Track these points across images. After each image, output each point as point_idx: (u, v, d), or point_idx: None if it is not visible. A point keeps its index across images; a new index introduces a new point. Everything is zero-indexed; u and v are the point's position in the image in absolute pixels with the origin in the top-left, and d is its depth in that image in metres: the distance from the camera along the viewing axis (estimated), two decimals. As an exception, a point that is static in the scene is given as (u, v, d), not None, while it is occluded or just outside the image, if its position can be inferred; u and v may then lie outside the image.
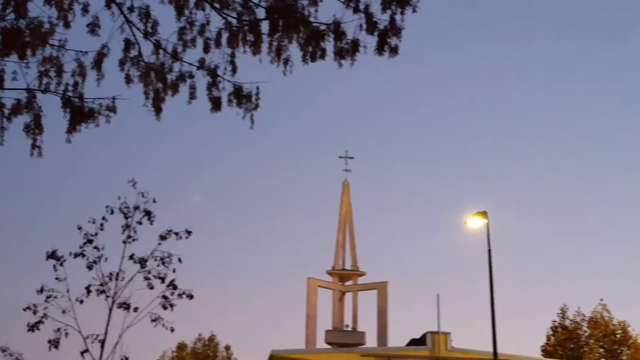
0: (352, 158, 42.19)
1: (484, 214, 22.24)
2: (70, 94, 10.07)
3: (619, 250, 74.31)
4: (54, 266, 15.04)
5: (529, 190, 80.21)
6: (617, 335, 41.13)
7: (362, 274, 40.36)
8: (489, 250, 21.57)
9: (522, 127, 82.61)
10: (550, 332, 42.79)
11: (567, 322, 42.54)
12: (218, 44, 10.04)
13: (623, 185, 79.00)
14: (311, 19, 9.43)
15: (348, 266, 40.70)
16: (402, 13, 9.18)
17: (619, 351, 40.54)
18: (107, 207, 15.60)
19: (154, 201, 15.68)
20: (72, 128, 10.06)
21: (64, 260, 15.11)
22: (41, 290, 14.74)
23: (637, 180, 79.55)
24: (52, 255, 15.07)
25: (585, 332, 41.88)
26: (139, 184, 15.73)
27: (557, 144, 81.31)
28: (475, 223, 22.33)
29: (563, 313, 42.95)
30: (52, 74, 10.11)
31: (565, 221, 77.61)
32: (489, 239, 21.69)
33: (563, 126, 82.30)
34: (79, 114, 10.05)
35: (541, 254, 75.83)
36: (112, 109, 10.22)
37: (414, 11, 9.19)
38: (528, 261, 75.41)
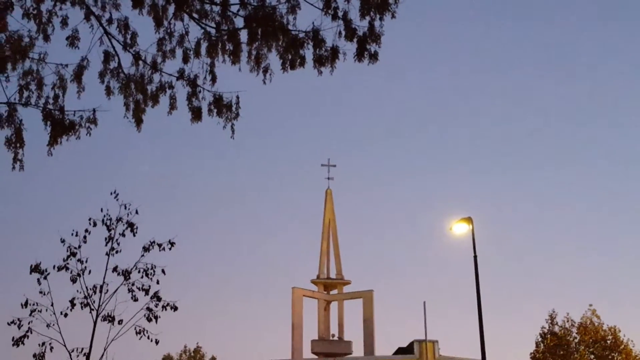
0: (334, 166, 42.31)
1: (469, 220, 22.29)
2: (50, 107, 10.07)
3: (607, 254, 74.88)
4: (38, 280, 14.94)
5: (515, 196, 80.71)
6: (608, 341, 41.16)
7: (347, 283, 40.36)
8: (475, 257, 21.60)
9: (507, 132, 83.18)
10: (539, 339, 42.78)
11: (556, 329, 42.52)
12: (197, 54, 10.09)
13: (612, 190, 79.69)
14: (290, 27, 9.49)
15: (333, 275, 40.68)
16: (381, 19, 9.25)
17: (609, 357, 40.54)
18: (89, 219, 15.54)
19: (137, 213, 15.64)
20: (53, 141, 10.06)
21: (48, 274, 15.00)
22: (25, 304, 14.63)
23: (626, 185, 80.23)
24: (35, 268, 14.97)
25: (575, 338, 41.86)
26: (122, 195, 15.69)
27: (545, 149, 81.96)
28: (460, 229, 22.37)
29: (552, 319, 42.91)
30: (33, 87, 10.12)
31: (552, 226, 78.12)
32: (474, 245, 21.75)
33: (548, 130, 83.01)
34: (60, 126, 10.05)
35: (528, 260, 76.24)
36: (93, 121, 10.24)
37: (393, 17, 9.26)
38: (515, 267, 75.78)
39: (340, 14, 9.30)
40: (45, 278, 14.89)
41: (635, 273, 69.54)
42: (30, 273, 14.89)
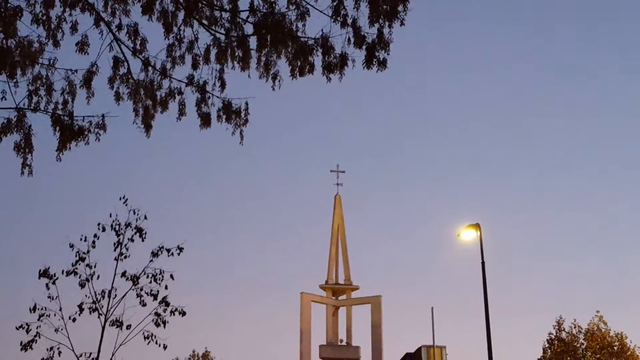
0: (343, 172, 42.27)
1: (477, 226, 22.23)
2: (60, 112, 10.09)
3: (614, 260, 74.50)
4: (47, 284, 14.98)
5: (524, 201, 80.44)
6: (615, 347, 40.99)
7: (355, 288, 40.28)
8: (483, 263, 21.54)
9: (515, 139, 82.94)
10: (547, 345, 42.64)
11: (564, 335, 42.37)
12: (207, 60, 10.10)
13: (618, 196, 79.27)
14: (299, 34, 9.48)
15: (341, 280, 40.61)
16: (390, 26, 9.22)
17: (616, 363, 40.38)
18: (98, 224, 15.57)
19: (145, 218, 15.66)
20: (62, 146, 10.08)
21: (56, 279, 15.05)
22: (34, 309, 14.66)
23: (631, 192, 79.80)
24: (44, 273, 15.01)
25: (582, 344, 41.71)
26: (130, 200, 15.72)
27: (552, 157, 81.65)
28: (468, 235, 22.32)
29: (559, 325, 42.79)
30: (42, 92, 10.14)
31: (559, 232, 77.74)
32: (482, 252, 21.69)
33: (556, 138, 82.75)
34: (69, 132, 10.06)
35: (536, 266, 75.92)
36: (102, 126, 10.25)
37: (402, 24, 9.23)
38: (523, 273, 75.45)
39: (349, 21, 9.27)
40: (53, 283, 14.94)
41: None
42: (39, 278, 14.93)
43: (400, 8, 9.10)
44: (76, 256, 15.23)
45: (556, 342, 41.90)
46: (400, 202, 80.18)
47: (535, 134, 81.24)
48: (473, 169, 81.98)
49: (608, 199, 77.51)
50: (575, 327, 42.31)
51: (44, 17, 9.66)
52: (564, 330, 42.49)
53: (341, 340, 39.31)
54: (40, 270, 14.97)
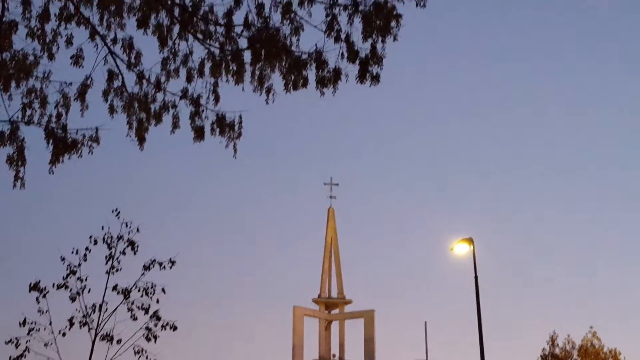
0: (337, 185, 42.31)
1: (469, 240, 22.30)
2: (53, 125, 10.09)
3: (608, 276, 74.61)
4: (37, 298, 14.91)
5: (516, 217, 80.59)
6: (608, 364, 40.99)
7: (348, 302, 40.22)
8: (476, 277, 21.58)
9: (513, 150, 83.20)
10: (540, 360, 42.63)
11: (557, 350, 42.36)
12: (201, 74, 10.13)
13: (611, 212, 79.53)
14: (293, 48, 9.54)
15: (334, 294, 40.55)
16: (383, 42, 9.32)
17: (610, 379, 40.35)
18: (90, 237, 15.54)
19: (138, 230, 15.64)
20: (55, 159, 10.05)
21: (47, 292, 14.99)
22: (23, 323, 14.59)
23: (624, 207, 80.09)
24: (34, 286, 14.95)
25: (576, 360, 41.73)
26: (123, 213, 15.70)
27: (545, 174, 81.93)
28: (461, 249, 22.38)
29: (552, 341, 42.78)
30: (36, 105, 10.14)
31: (552, 248, 77.88)
32: (475, 266, 21.73)
33: (548, 155, 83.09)
34: (62, 145, 10.05)
35: (529, 281, 75.96)
36: (95, 139, 10.24)
37: (395, 40, 9.33)
38: (516, 288, 75.46)
39: (342, 36, 9.36)
40: (44, 296, 14.87)
41: (637, 294, 69.30)
42: (29, 291, 14.86)
43: (393, 24, 9.20)
44: (67, 269, 15.18)
45: (550, 357, 41.90)
46: (394, 216, 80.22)
47: (531, 145, 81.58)
48: (468, 182, 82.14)
49: (606, 213, 77.75)
50: (569, 343, 42.34)
51: (39, 32, 9.69)
52: (557, 345, 42.51)
53: (334, 356, 39.20)
54: (30, 284, 14.90)
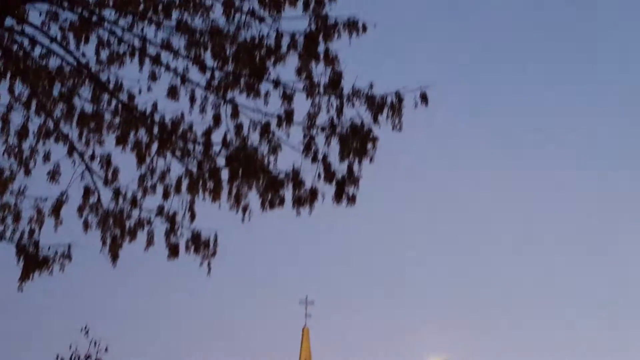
0: (312, 303, 41.70)
1: (445, 360, 21.96)
2: (25, 241, 9.95)
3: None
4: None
5: (493, 333, 79.47)
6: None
7: None
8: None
9: (476, 274, 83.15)
10: None
11: None
12: (178, 191, 10.13)
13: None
14: (270, 168, 9.63)
15: (308, 417, 39.15)
16: (359, 163, 9.45)
17: None
18: (57, 356, 15.08)
19: (106, 350, 15.21)
20: (25, 276, 9.85)
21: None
22: None
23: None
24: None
25: None
26: (92, 331, 15.31)
27: (519, 281, 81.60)
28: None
29: None
30: (9, 220, 10.04)
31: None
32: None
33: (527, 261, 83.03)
34: (33, 262, 9.87)
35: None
36: (68, 256, 10.08)
37: (371, 161, 9.47)
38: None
39: (319, 156, 9.49)
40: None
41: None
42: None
43: (369, 146, 9.36)
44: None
45: None
46: (371, 335, 78.82)
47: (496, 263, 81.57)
48: (446, 299, 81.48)
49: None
50: None
51: (17, 150, 9.76)
52: None
53: None
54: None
